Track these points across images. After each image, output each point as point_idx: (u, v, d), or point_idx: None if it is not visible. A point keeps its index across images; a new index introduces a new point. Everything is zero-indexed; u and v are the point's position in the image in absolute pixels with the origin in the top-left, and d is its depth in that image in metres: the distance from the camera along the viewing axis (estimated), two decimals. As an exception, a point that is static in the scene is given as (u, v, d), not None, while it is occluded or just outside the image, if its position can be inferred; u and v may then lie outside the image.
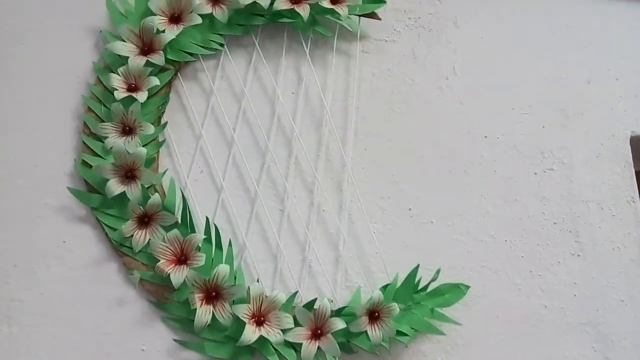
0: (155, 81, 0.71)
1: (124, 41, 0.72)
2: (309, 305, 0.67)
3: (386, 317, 0.67)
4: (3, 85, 0.72)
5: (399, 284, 0.69)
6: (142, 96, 0.70)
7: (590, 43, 0.86)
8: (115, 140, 0.69)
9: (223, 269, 0.65)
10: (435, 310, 0.70)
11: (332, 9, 0.75)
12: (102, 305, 0.67)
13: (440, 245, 0.74)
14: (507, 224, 0.76)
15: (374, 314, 0.67)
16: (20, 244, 0.68)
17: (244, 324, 0.65)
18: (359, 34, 0.80)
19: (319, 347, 0.66)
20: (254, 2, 0.73)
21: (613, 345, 0.74)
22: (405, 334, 0.68)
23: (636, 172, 0.82)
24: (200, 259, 0.66)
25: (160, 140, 0.72)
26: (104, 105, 0.71)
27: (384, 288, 0.68)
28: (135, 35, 0.72)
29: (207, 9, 0.74)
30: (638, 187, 0.81)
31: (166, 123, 0.72)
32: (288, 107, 0.76)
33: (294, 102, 0.77)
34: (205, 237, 0.68)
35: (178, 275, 0.65)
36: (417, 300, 0.70)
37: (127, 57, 0.71)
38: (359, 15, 0.79)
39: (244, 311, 0.65)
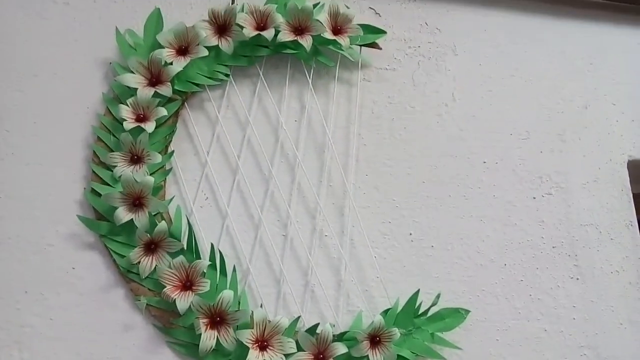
0: (163, 112, 0.73)
1: (133, 73, 0.74)
2: (312, 330, 0.68)
3: (387, 342, 0.68)
4: (17, 116, 0.74)
5: (399, 308, 0.70)
6: (150, 126, 0.72)
7: (586, 69, 0.88)
8: (123, 169, 0.70)
9: (227, 294, 0.66)
10: (436, 335, 0.70)
11: (334, 39, 0.77)
12: (110, 330, 0.68)
13: (441, 269, 0.75)
14: (507, 248, 0.77)
15: (375, 339, 0.68)
16: (31, 270, 0.69)
17: (248, 348, 0.66)
18: (360, 63, 0.81)
19: (321, 372, 0.67)
20: (259, 34, 0.75)
21: (613, 368, 0.74)
22: (406, 359, 0.69)
23: (634, 195, 0.83)
24: (205, 285, 0.67)
25: (167, 168, 0.73)
26: (113, 135, 0.73)
27: (385, 313, 0.69)
28: (144, 67, 0.74)
29: (213, 41, 0.75)
30: (636, 210, 0.82)
31: (173, 152, 0.74)
32: (291, 135, 0.77)
33: (297, 129, 0.78)
34: (210, 263, 0.69)
35: (184, 301, 0.66)
36: (418, 325, 0.70)
37: (136, 89, 0.73)
38: (360, 45, 0.81)
39: (247, 336, 0.66)
